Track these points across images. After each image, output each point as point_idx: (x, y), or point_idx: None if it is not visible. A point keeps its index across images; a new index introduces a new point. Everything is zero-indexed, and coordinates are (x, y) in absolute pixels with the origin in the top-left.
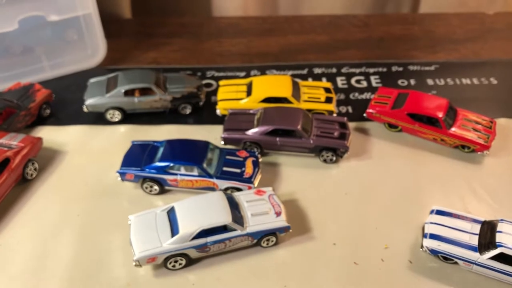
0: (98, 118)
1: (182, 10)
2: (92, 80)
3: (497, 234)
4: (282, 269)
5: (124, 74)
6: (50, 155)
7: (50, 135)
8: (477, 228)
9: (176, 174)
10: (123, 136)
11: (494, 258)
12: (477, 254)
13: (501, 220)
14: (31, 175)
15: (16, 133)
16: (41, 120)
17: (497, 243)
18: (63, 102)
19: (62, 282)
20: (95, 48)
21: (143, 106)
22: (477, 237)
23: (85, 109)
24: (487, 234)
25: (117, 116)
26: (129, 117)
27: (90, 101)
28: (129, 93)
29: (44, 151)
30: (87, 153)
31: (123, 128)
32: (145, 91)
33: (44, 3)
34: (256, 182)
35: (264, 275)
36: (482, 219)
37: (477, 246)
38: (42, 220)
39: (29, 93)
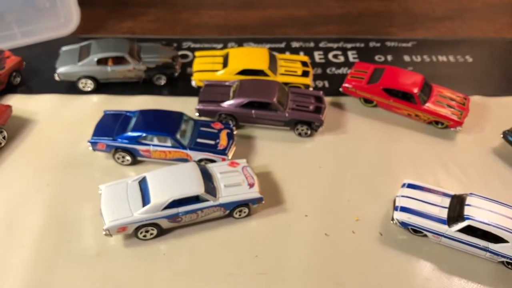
0: (70, 87)
1: None
2: (64, 48)
3: (466, 208)
4: (254, 239)
5: (97, 42)
6: (20, 123)
7: (20, 103)
8: (447, 201)
9: (148, 145)
10: (96, 106)
11: (462, 230)
12: (446, 226)
13: (470, 194)
14: (0, 143)
15: None
16: (11, 88)
17: (465, 216)
18: (34, 71)
19: (32, 251)
20: (68, 16)
21: (116, 75)
22: (446, 210)
23: (56, 78)
24: (456, 208)
25: (89, 85)
26: (102, 87)
27: (62, 69)
28: (102, 61)
29: (13, 120)
30: (58, 122)
31: (95, 98)
32: (118, 60)
33: None
34: (230, 154)
35: (236, 245)
36: (452, 193)
37: (446, 219)
38: (11, 190)
39: None
